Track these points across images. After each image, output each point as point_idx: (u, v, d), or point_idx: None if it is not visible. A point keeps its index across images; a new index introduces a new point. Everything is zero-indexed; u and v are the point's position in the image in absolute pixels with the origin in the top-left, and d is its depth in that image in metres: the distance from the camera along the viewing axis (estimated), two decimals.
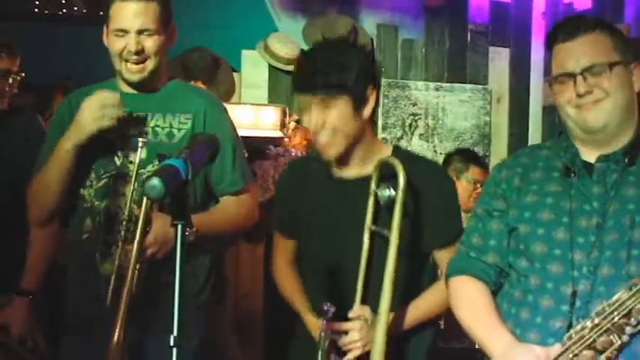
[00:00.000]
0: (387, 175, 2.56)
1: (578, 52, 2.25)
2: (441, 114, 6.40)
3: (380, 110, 6.21)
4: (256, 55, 5.86)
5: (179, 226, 1.90)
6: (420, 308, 2.68)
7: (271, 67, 5.92)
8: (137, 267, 2.66)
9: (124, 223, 2.80)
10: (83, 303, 2.95)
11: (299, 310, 2.76)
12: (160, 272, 2.78)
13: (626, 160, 2.25)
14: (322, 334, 2.50)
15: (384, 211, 2.57)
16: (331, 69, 2.53)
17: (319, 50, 2.66)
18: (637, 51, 5.84)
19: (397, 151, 2.76)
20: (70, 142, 2.80)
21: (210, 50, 5.48)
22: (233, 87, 5.77)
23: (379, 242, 2.57)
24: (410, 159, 2.70)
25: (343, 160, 2.68)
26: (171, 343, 1.86)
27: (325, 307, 2.47)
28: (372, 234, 2.59)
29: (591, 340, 2.06)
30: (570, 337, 2.10)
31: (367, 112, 2.62)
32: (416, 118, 6.34)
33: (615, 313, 2.04)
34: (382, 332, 2.42)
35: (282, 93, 5.95)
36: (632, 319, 2.03)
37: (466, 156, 4.96)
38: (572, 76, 2.24)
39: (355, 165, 2.69)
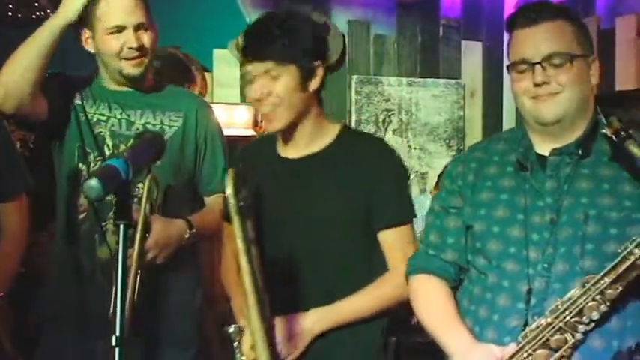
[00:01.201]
0: None
1: (538, 40, 2.20)
2: (414, 109, 6.39)
3: (353, 107, 6.22)
4: (228, 54, 5.84)
5: (121, 226, 1.88)
6: (358, 304, 2.57)
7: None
8: (139, 272, 2.63)
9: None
10: (74, 292, 2.92)
11: (237, 315, 2.65)
12: (159, 277, 2.79)
13: (580, 152, 2.22)
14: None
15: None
16: (279, 37, 2.47)
17: (268, 19, 2.58)
18: (607, 41, 5.86)
19: (345, 130, 2.70)
20: (59, 19, 2.79)
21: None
22: (205, 86, 5.74)
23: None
24: (358, 139, 2.68)
25: (288, 135, 2.61)
26: (113, 343, 1.83)
27: (231, 329, 2.42)
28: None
29: (545, 338, 2.05)
30: (525, 336, 2.09)
31: (314, 85, 2.55)
32: (389, 113, 6.34)
33: (567, 311, 2.03)
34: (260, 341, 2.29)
35: None
36: (585, 317, 2.02)
37: None
38: (531, 64, 2.20)
39: (302, 144, 2.62)
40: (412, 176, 6.20)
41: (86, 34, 2.91)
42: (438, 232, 2.40)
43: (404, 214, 2.62)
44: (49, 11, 6.17)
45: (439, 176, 5.44)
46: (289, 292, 2.51)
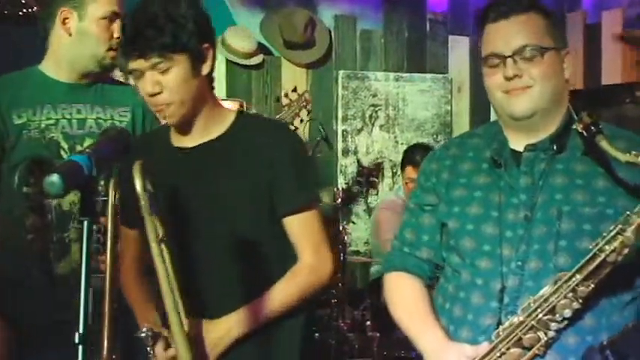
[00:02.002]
0: None
1: (509, 33, 2.16)
2: (401, 104, 6.40)
3: (339, 102, 6.21)
4: None
5: (85, 223, 1.84)
6: (276, 298, 2.48)
7: (229, 62, 5.88)
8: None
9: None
10: (34, 310, 2.80)
11: (139, 321, 2.54)
12: None
13: (554, 147, 2.20)
14: None
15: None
16: (161, 30, 2.30)
17: (146, 8, 2.38)
18: (594, 36, 5.86)
19: (241, 115, 2.57)
20: None
21: None
22: None
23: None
24: (255, 124, 2.57)
25: (185, 127, 2.48)
26: (76, 341, 1.80)
27: (143, 334, 2.30)
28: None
29: (518, 337, 2.03)
30: (498, 335, 2.06)
31: (205, 69, 2.41)
32: (376, 109, 6.33)
33: (540, 309, 2.00)
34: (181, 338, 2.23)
35: (240, 87, 5.93)
36: (557, 315, 2.00)
37: (426, 150, 4.95)
38: (502, 57, 2.16)
39: (196, 132, 2.48)
40: (399, 172, 6.19)
41: (67, 13, 2.83)
42: (413, 229, 2.38)
43: (304, 199, 2.52)
44: (35, 8, 6.15)
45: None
46: (198, 287, 2.43)
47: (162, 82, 2.34)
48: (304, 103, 5.32)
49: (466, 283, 2.22)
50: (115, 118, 2.92)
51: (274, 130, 2.60)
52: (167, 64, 2.32)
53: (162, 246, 2.24)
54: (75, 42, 2.85)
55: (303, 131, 5.82)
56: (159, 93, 2.35)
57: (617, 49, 5.89)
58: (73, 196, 2.76)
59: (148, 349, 2.32)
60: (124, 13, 2.78)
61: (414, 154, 5.25)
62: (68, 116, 2.87)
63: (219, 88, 5.78)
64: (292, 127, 5.47)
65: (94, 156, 1.83)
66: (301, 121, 5.35)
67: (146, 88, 2.35)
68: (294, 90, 5.54)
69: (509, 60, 2.14)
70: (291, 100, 5.35)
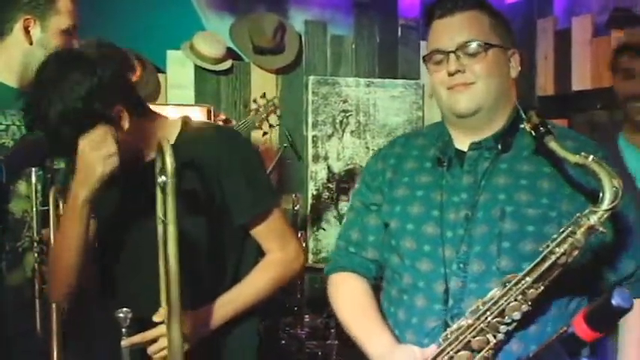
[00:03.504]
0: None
1: (453, 29, 2.17)
2: (372, 110, 6.36)
3: (309, 108, 6.18)
4: (182, 56, 5.79)
5: None
6: (243, 291, 2.50)
7: (197, 68, 5.84)
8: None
9: (34, 227, 2.67)
10: None
11: None
12: None
13: (499, 146, 2.18)
14: (123, 348, 2.28)
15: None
16: (55, 132, 2.25)
17: (36, 101, 2.30)
18: (564, 42, 5.85)
19: (186, 127, 2.55)
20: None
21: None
22: (158, 88, 5.70)
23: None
24: (201, 135, 2.53)
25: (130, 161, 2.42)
26: None
27: (121, 315, 2.24)
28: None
29: (467, 340, 2.01)
30: (446, 338, 2.04)
31: (127, 126, 2.37)
32: (347, 114, 6.30)
33: (489, 312, 1.99)
34: (177, 331, 2.19)
35: (209, 93, 5.89)
36: (506, 318, 1.98)
37: None
38: (445, 53, 2.16)
39: (146, 154, 2.48)
40: None
41: (30, 22, 2.83)
42: (359, 229, 2.36)
43: (262, 208, 2.53)
44: None
45: None
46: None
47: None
48: (272, 108, 5.30)
49: (408, 286, 2.19)
50: None
51: (220, 141, 2.55)
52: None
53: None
54: (34, 51, 2.84)
55: (271, 138, 5.80)
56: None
57: (587, 55, 5.89)
58: (25, 204, 2.74)
59: (123, 330, 2.27)
60: None
61: None
62: (18, 123, 2.82)
63: (189, 94, 5.77)
64: (261, 132, 5.47)
65: (6, 163, 1.80)
66: (270, 126, 5.33)
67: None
68: (263, 96, 5.53)
69: (452, 55, 2.14)
70: (259, 105, 5.33)
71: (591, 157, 1.91)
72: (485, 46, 2.15)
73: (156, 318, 2.33)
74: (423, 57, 2.25)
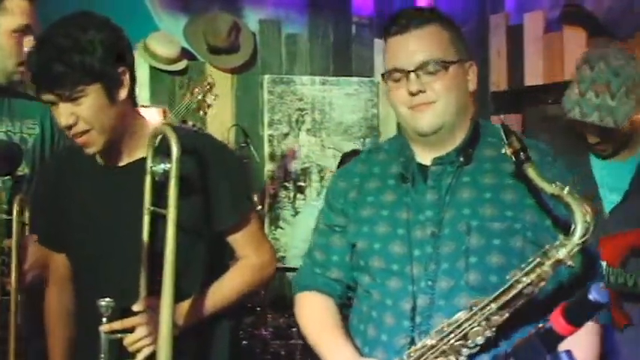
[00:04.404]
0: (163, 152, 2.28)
1: (412, 47, 2.11)
2: (327, 108, 6.39)
3: (265, 106, 6.18)
4: (136, 56, 5.72)
5: None
6: (218, 292, 2.47)
7: (152, 68, 5.82)
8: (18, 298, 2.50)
9: None
10: None
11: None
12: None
13: (461, 159, 2.17)
14: (103, 336, 2.25)
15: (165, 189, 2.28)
16: (70, 61, 2.18)
17: (52, 38, 2.24)
18: (516, 38, 5.89)
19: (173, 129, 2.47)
20: None
21: None
22: None
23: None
24: (190, 135, 2.48)
25: (110, 151, 2.38)
26: None
27: (103, 303, 2.21)
28: (154, 215, 2.31)
29: None
30: (410, 355, 2.02)
31: (123, 94, 2.30)
32: (302, 113, 6.32)
33: (452, 334, 1.96)
34: (167, 324, 2.17)
35: (164, 93, 5.88)
36: (469, 341, 1.96)
37: None
38: (405, 72, 2.10)
39: (125, 152, 2.41)
40: (327, 175, 6.18)
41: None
42: (323, 250, 2.34)
43: (242, 213, 2.51)
44: None
45: None
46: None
47: (77, 113, 2.24)
48: (208, 88, 5.29)
49: (377, 304, 2.17)
50: (24, 131, 2.87)
51: (203, 145, 2.49)
52: (80, 95, 2.22)
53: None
54: None
55: (228, 137, 5.79)
56: (74, 124, 2.26)
57: (539, 51, 5.96)
58: None
59: (104, 319, 2.24)
60: (36, 29, 2.73)
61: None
62: None
63: (143, 95, 5.73)
64: (200, 113, 5.44)
65: None
66: (208, 106, 5.31)
67: (61, 120, 2.27)
68: (200, 77, 5.52)
69: (412, 75, 2.09)
70: (194, 85, 5.32)
71: (567, 188, 1.90)
72: (445, 64, 2.11)
73: (136, 307, 2.30)
74: (382, 74, 2.21)
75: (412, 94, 2.10)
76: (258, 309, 5.05)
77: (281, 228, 6.22)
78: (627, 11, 5.44)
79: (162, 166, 2.21)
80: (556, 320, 1.59)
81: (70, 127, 2.27)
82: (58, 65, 2.19)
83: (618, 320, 2.85)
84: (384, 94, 6.48)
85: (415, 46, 2.11)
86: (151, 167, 2.26)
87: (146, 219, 2.30)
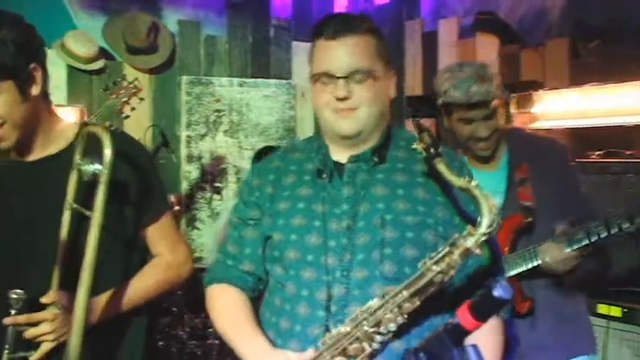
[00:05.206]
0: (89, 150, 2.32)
1: (343, 55, 2.19)
2: (245, 109, 6.43)
3: (183, 107, 6.19)
4: (53, 55, 5.69)
5: None
6: (130, 289, 2.51)
7: (69, 67, 5.78)
8: None
9: None
10: None
11: None
12: None
13: (375, 159, 2.26)
14: (9, 328, 2.27)
15: (89, 188, 2.31)
16: None
17: None
18: (431, 43, 5.99)
19: (84, 127, 2.45)
20: None
21: None
22: None
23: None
24: (101, 134, 2.43)
25: (22, 149, 2.41)
26: None
27: (15, 296, 2.24)
28: (74, 213, 2.33)
29: (343, 347, 2.05)
30: (324, 343, 2.07)
31: (35, 90, 2.32)
32: (220, 114, 6.34)
33: (366, 322, 2.03)
34: (80, 320, 2.18)
35: (82, 93, 5.84)
36: (382, 328, 2.03)
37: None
38: (334, 78, 2.19)
39: (36, 147, 2.43)
40: (244, 176, 6.21)
41: None
42: (236, 243, 2.39)
43: (160, 207, 2.57)
44: None
45: None
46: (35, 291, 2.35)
47: None
48: (134, 90, 5.27)
49: (291, 295, 2.22)
50: None
51: (119, 145, 2.45)
52: None
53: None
54: None
55: (145, 138, 5.77)
56: None
57: (453, 56, 6.07)
58: None
59: (12, 311, 2.27)
60: None
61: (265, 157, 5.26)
62: None
63: (60, 95, 5.69)
64: (123, 115, 5.42)
65: None
66: (132, 109, 5.30)
67: None
68: (124, 78, 5.47)
69: (341, 81, 2.18)
70: (120, 87, 5.29)
71: (474, 182, 2.00)
72: (373, 73, 2.21)
73: (45, 299, 2.32)
74: (310, 76, 2.28)
75: (339, 99, 2.19)
76: (175, 309, 5.05)
77: (197, 229, 6.23)
78: (539, 20, 5.59)
79: (92, 167, 2.23)
80: (463, 316, 1.66)
81: None
82: None
83: (520, 307, 3.05)
84: (301, 96, 6.60)
85: (346, 54, 2.19)
86: (79, 166, 2.28)
87: (66, 215, 2.32)
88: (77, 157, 2.31)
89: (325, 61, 2.22)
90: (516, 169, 3.13)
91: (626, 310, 3.78)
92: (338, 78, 2.18)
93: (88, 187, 2.31)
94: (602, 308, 3.85)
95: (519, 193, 3.09)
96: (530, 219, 3.06)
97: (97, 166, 2.22)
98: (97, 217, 2.20)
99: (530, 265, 3.02)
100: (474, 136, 3.12)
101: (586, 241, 2.93)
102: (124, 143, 2.49)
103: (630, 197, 3.86)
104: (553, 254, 2.97)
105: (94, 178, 2.23)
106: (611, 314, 3.83)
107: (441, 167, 2.05)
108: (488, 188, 3.07)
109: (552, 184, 3.10)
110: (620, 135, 4.54)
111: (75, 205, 2.32)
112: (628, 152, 4.35)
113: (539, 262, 3.01)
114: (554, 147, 3.24)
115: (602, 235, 2.90)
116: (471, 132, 3.12)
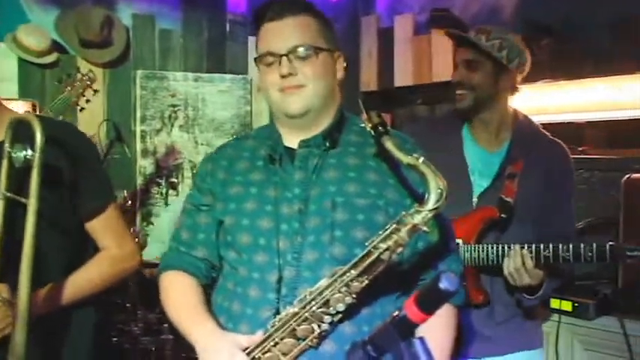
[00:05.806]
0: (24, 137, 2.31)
1: (284, 33, 2.25)
2: (200, 104, 6.40)
3: (138, 102, 6.15)
4: (5, 48, 5.63)
5: None
6: (74, 282, 2.51)
7: (21, 60, 5.71)
8: None
9: None
10: None
11: None
12: None
13: (327, 143, 2.30)
14: None
15: (23, 176, 2.31)
16: None
17: None
18: (387, 40, 6.01)
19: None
20: None
21: None
22: None
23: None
24: (50, 124, 2.45)
25: None
26: None
27: None
28: (9, 201, 2.34)
29: (292, 328, 2.08)
30: (274, 324, 2.10)
31: None
32: (175, 109, 6.31)
33: (314, 302, 2.06)
34: (23, 312, 2.18)
35: (34, 87, 5.77)
36: (331, 308, 2.05)
37: None
38: (277, 56, 2.24)
39: None
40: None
41: None
42: (189, 229, 2.41)
43: (102, 200, 2.58)
44: None
45: None
46: None
47: None
48: (88, 83, 5.24)
49: (243, 279, 2.25)
50: None
51: (62, 133, 2.52)
52: None
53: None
54: None
55: (99, 132, 5.74)
56: None
57: (408, 53, 6.11)
58: None
59: None
60: None
61: None
62: None
63: (12, 88, 5.62)
64: (78, 107, 5.37)
65: None
66: (87, 101, 5.26)
67: None
68: (78, 70, 5.43)
69: (284, 58, 2.23)
70: (74, 79, 5.25)
71: (422, 159, 2.02)
72: (316, 50, 2.25)
73: None
74: (255, 58, 2.32)
75: (283, 77, 2.23)
76: (129, 305, 5.03)
77: (152, 224, 6.20)
78: (492, 18, 5.63)
79: (23, 153, 2.23)
80: (409, 308, 1.67)
81: None
82: None
83: (474, 297, 3.04)
84: (257, 92, 6.58)
85: (288, 32, 2.25)
86: (10, 153, 2.28)
87: (0, 204, 2.31)
88: (7, 145, 2.29)
89: (267, 41, 2.29)
90: (512, 161, 3.14)
91: (576, 304, 3.82)
92: (281, 56, 2.23)
93: (25, 176, 2.28)
94: (554, 302, 3.89)
95: (504, 187, 3.09)
96: (503, 216, 3.06)
97: (28, 152, 2.22)
98: (32, 203, 2.21)
99: (492, 262, 3.02)
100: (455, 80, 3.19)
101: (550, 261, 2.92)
102: (65, 132, 2.52)
103: (581, 193, 3.91)
104: (516, 262, 2.92)
105: (28, 164, 2.23)
106: (562, 308, 3.86)
107: (389, 145, 2.08)
108: (479, 165, 3.15)
109: (541, 187, 3.11)
110: (573, 131, 4.59)
111: (8, 194, 2.30)
112: (580, 148, 4.40)
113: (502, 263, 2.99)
114: (556, 151, 3.24)
115: (567, 260, 2.91)
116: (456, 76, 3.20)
